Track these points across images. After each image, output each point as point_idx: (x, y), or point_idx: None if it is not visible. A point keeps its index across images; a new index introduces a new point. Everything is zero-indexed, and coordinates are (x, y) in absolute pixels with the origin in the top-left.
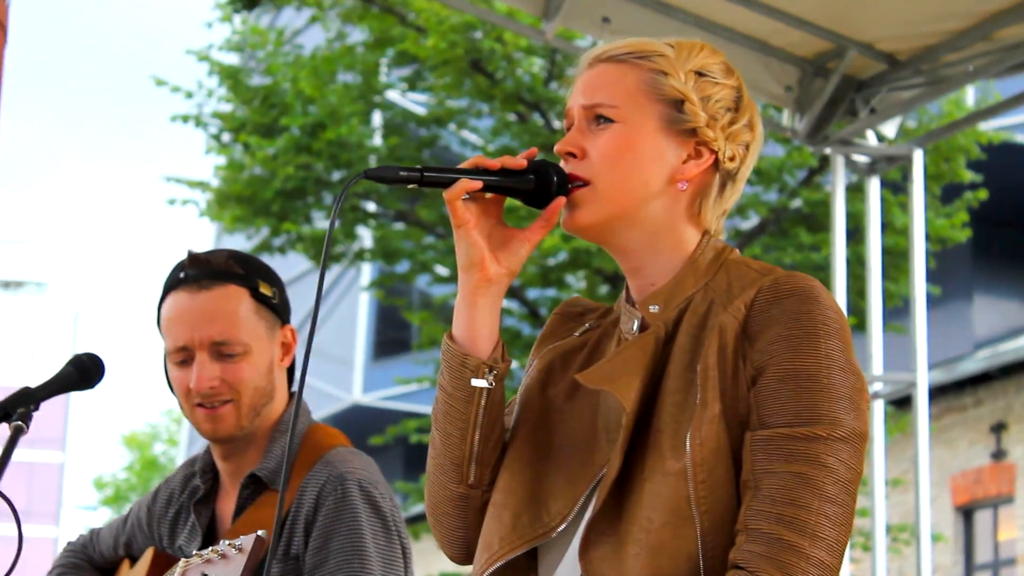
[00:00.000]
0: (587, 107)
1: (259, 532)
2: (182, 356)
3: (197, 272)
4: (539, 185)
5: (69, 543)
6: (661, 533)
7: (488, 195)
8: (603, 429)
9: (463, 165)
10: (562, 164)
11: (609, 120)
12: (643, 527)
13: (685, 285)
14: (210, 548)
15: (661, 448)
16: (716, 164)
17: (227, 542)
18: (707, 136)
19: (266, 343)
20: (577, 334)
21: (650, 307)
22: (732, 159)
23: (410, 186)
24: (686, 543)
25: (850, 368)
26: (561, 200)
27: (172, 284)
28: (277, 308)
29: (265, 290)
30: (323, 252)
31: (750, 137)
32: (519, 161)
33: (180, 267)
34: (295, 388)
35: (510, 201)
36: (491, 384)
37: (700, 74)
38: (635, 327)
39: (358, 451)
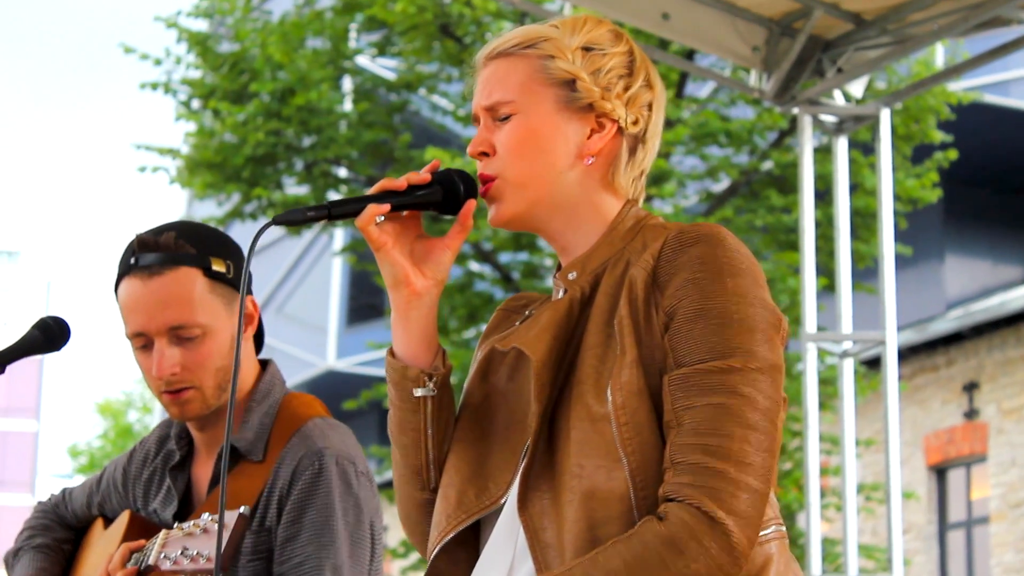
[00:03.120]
0: (487, 107)
1: (241, 509)
2: (142, 341)
3: (147, 257)
4: (447, 193)
5: (40, 503)
6: (593, 477)
7: (404, 212)
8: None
9: (369, 191)
10: (478, 165)
11: (507, 116)
12: (574, 474)
13: (601, 251)
14: (191, 522)
15: (584, 397)
16: (620, 131)
17: (209, 516)
18: (605, 108)
19: (225, 320)
20: (518, 323)
21: (568, 275)
22: (635, 122)
23: (321, 222)
24: (617, 484)
25: (760, 303)
26: (472, 202)
27: (124, 270)
28: (233, 282)
29: (219, 266)
30: (240, 292)
31: (650, 96)
32: (423, 175)
33: (131, 251)
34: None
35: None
36: (432, 391)
37: (587, 49)
38: (559, 295)
39: (336, 422)
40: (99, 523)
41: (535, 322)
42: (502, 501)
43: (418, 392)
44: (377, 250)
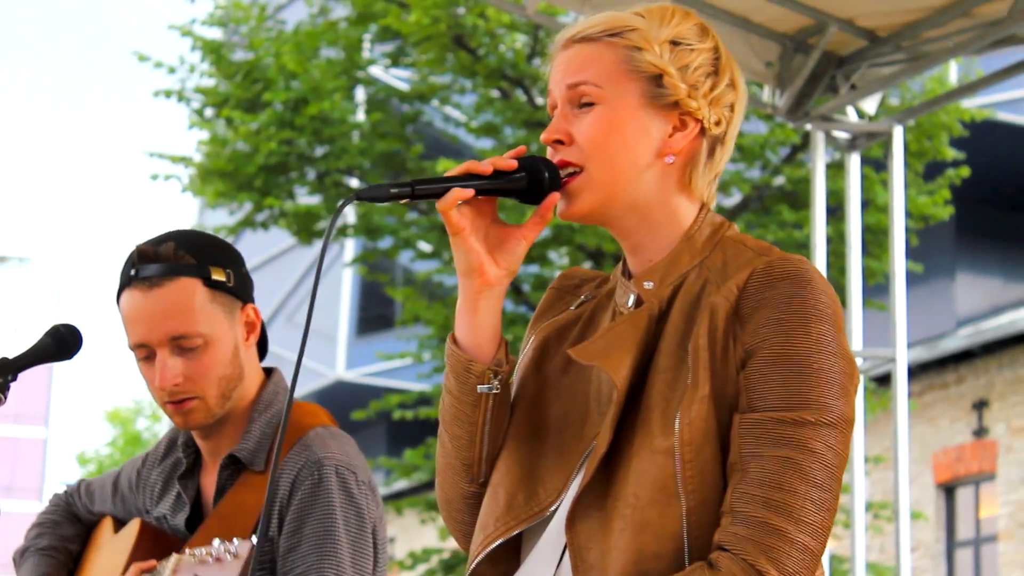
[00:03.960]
0: (571, 85)
1: (253, 539)
2: (144, 352)
3: (147, 268)
4: (531, 182)
5: (55, 495)
6: (647, 510)
7: (481, 197)
8: (595, 403)
9: (452, 172)
10: (549, 153)
11: (590, 103)
12: (629, 503)
13: (680, 262)
14: (203, 548)
15: (650, 425)
16: (702, 131)
17: (221, 544)
18: (690, 107)
19: (226, 329)
20: (573, 307)
21: (645, 283)
22: (718, 123)
23: (403, 202)
24: (671, 522)
25: (841, 352)
26: (555, 195)
27: (125, 282)
28: (234, 291)
29: (218, 275)
30: (316, 274)
31: (733, 96)
32: (509, 161)
33: (131, 262)
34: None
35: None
36: (496, 389)
37: (675, 43)
38: (630, 302)
39: (338, 431)
40: (108, 523)
41: (614, 336)
42: (551, 509)
43: (482, 388)
44: (455, 235)
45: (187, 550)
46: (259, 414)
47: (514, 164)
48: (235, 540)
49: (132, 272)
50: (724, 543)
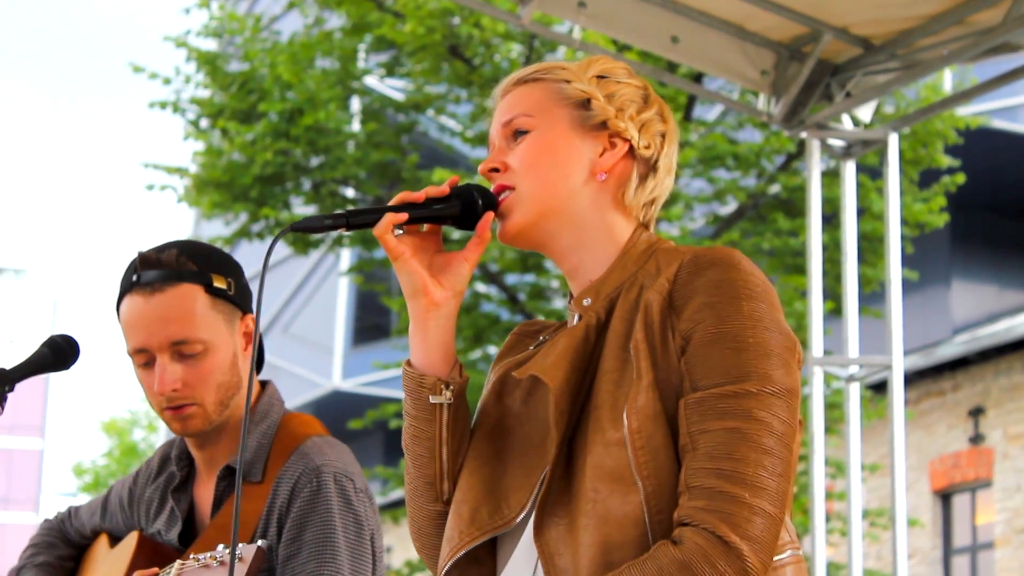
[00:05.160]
0: (504, 124)
1: (260, 543)
2: (144, 358)
3: (149, 274)
4: (465, 207)
5: (46, 520)
6: (608, 502)
7: (424, 227)
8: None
9: (390, 203)
10: (489, 180)
11: (524, 132)
12: (589, 498)
13: (614, 276)
14: (208, 553)
15: (600, 422)
16: (633, 154)
17: (226, 549)
18: (618, 127)
19: (226, 337)
20: (532, 348)
21: (584, 301)
22: (647, 147)
23: (337, 232)
24: (632, 508)
25: (776, 327)
26: (490, 214)
27: (126, 287)
28: (234, 299)
29: (220, 283)
30: (256, 305)
31: (663, 127)
32: (442, 189)
33: (132, 268)
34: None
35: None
36: (449, 400)
37: (602, 76)
38: (575, 321)
39: (334, 440)
40: (103, 540)
41: (552, 348)
42: (516, 521)
43: (434, 400)
44: (395, 259)
45: (191, 555)
46: (255, 425)
47: (447, 191)
48: (241, 545)
49: (134, 278)
50: (684, 518)
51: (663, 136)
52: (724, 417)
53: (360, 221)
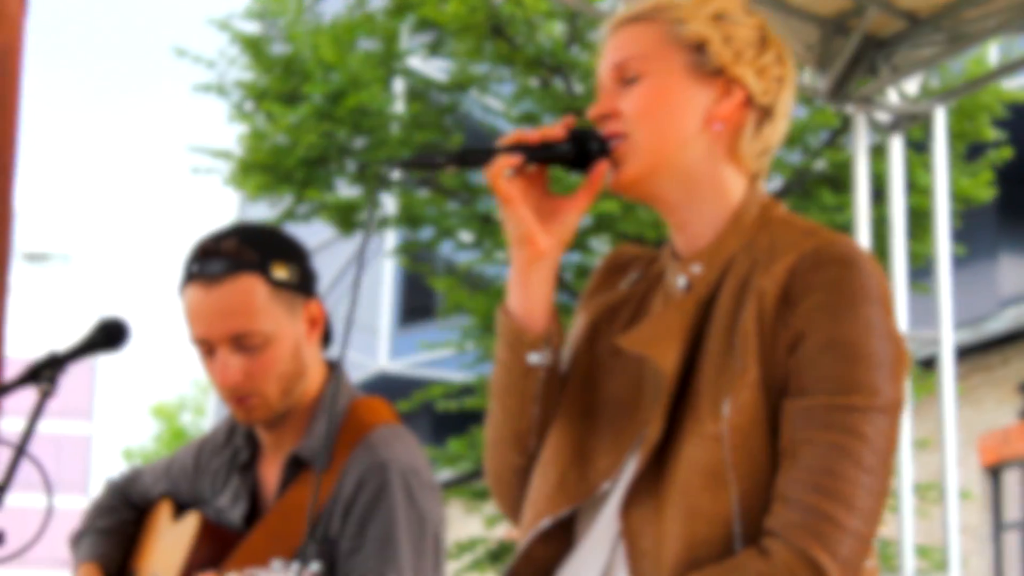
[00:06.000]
0: (615, 64)
1: (314, 567)
2: (205, 348)
3: (209, 264)
4: (579, 151)
5: (109, 479)
6: (698, 497)
7: (531, 167)
8: (647, 386)
9: (502, 142)
10: (599, 128)
11: (636, 78)
12: (680, 490)
13: (728, 244)
14: (263, 572)
15: (699, 411)
16: (750, 101)
17: (282, 569)
18: (735, 73)
19: (288, 326)
20: (623, 286)
21: (693, 267)
22: (765, 93)
23: (450, 169)
24: (722, 507)
25: (890, 336)
26: (604, 163)
27: (187, 277)
28: (296, 287)
29: (280, 272)
30: (352, 301)
31: (781, 71)
32: (557, 131)
33: (193, 257)
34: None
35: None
36: (548, 359)
37: (719, 17)
38: (681, 284)
39: (401, 430)
40: (166, 506)
41: (662, 324)
42: (602, 489)
43: (533, 358)
44: (505, 203)
45: (246, 570)
46: (321, 412)
47: (562, 134)
48: (293, 564)
49: (194, 267)
50: (775, 529)
51: (780, 80)
52: (829, 429)
53: (474, 160)
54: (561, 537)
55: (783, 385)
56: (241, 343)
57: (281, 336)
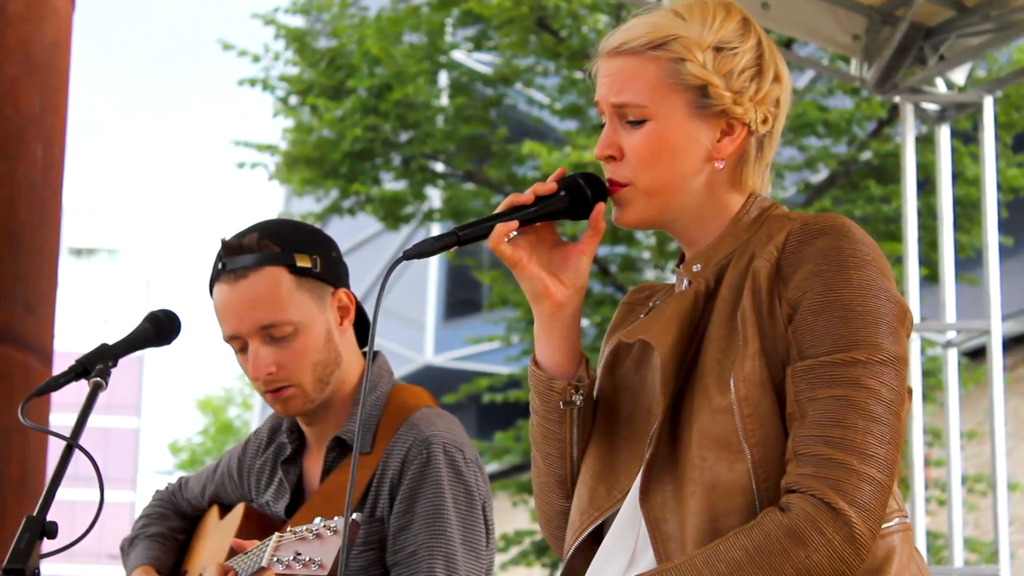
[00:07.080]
0: (616, 106)
1: (355, 516)
2: (238, 344)
3: (233, 261)
4: (574, 200)
5: (157, 491)
6: (715, 469)
7: (539, 224)
8: (657, 389)
9: (497, 210)
10: (604, 167)
11: (639, 120)
12: (696, 465)
13: (726, 243)
14: (304, 526)
15: (707, 389)
16: (749, 132)
17: (322, 521)
18: (736, 113)
19: (316, 315)
20: (643, 315)
21: (693, 266)
22: (765, 121)
23: (451, 249)
24: (739, 476)
25: (886, 294)
26: (601, 205)
27: (214, 276)
28: (322, 276)
29: (304, 262)
30: (371, 330)
31: (779, 90)
32: (549, 186)
33: (218, 256)
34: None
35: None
36: (579, 403)
37: (718, 49)
38: (684, 286)
39: (443, 411)
40: (214, 512)
41: (660, 314)
42: (628, 494)
43: (565, 405)
44: (513, 267)
45: (288, 528)
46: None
47: (554, 187)
48: (335, 518)
49: (220, 266)
50: (792, 485)
51: (777, 102)
52: (832, 385)
53: (471, 235)
54: (594, 545)
55: (785, 357)
56: (271, 334)
57: (310, 325)
